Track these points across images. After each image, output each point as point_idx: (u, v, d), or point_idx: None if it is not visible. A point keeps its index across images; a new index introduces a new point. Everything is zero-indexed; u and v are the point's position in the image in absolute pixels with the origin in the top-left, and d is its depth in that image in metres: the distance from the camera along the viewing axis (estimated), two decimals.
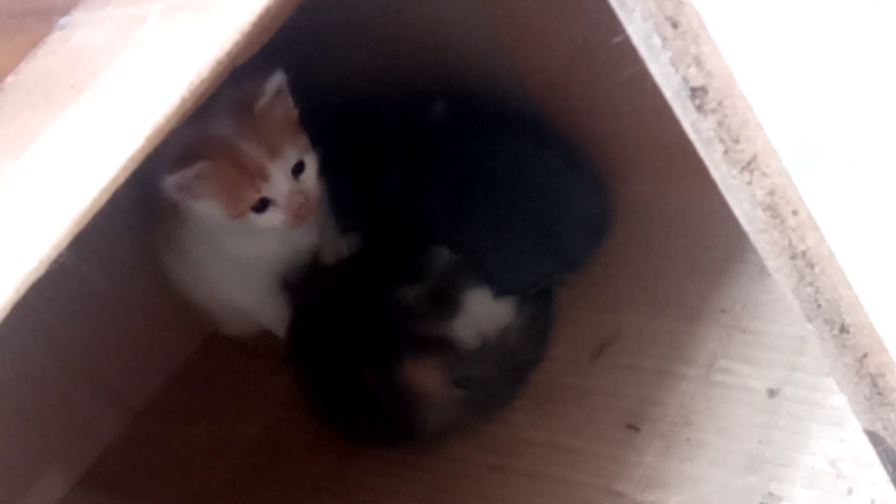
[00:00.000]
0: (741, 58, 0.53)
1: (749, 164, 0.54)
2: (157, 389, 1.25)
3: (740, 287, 0.98)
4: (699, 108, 0.52)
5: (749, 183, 0.54)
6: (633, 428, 0.92)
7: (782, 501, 0.81)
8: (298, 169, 0.98)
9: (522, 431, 0.98)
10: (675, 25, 0.51)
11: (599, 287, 1.06)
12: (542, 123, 1.10)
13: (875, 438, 0.64)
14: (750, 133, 0.54)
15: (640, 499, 0.87)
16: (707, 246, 1.03)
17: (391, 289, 1.02)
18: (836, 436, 0.83)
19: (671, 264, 1.04)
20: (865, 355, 0.60)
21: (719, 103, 0.52)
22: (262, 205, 0.97)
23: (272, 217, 0.98)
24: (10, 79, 0.79)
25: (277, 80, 0.95)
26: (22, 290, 0.54)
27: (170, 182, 0.94)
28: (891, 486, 0.67)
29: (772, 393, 0.89)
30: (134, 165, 0.57)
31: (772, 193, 0.55)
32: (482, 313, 1.02)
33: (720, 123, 0.53)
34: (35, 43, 0.81)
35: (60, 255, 0.55)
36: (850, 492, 0.79)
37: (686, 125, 0.54)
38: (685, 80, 0.52)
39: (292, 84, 0.97)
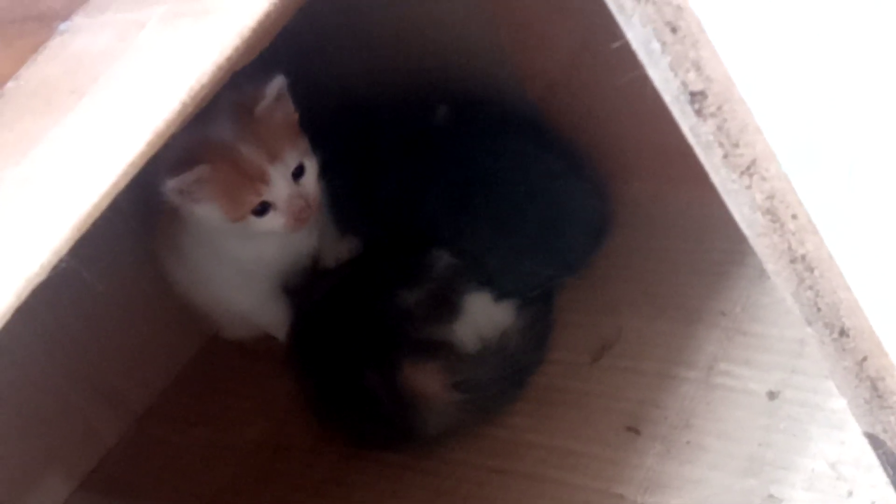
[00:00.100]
0: (740, 62, 0.53)
1: (748, 168, 0.54)
2: (159, 392, 1.26)
3: (740, 290, 0.98)
4: (698, 112, 0.53)
5: (748, 187, 0.55)
6: (634, 431, 0.92)
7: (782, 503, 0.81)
8: (299, 172, 0.98)
9: (523, 434, 0.98)
10: (674, 30, 0.51)
11: (599, 290, 1.06)
12: (541, 126, 1.10)
13: (875, 441, 0.65)
14: (749, 137, 0.54)
15: (640, 501, 0.87)
16: (707, 249, 1.03)
17: (391, 292, 1.02)
18: (836, 438, 0.83)
19: (671, 267, 1.04)
20: (865, 359, 0.60)
21: (718, 108, 0.53)
22: (263, 208, 0.97)
23: (272, 221, 0.98)
24: (10, 84, 0.79)
25: (278, 83, 0.95)
26: (23, 295, 0.54)
27: (170, 186, 0.94)
28: (891, 488, 0.68)
29: (772, 396, 0.89)
30: (135, 170, 0.57)
31: (771, 197, 0.55)
32: (482, 316, 1.02)
33: (719, 128, 0.53)
34: (35, 48, 0.81)
35: (62, 260, 0.55)
36: (850, 494, 0.79)
37: (685, 129, 0.54)
38: (684, 84, 0.52)
39: (293, 87, 0.97)
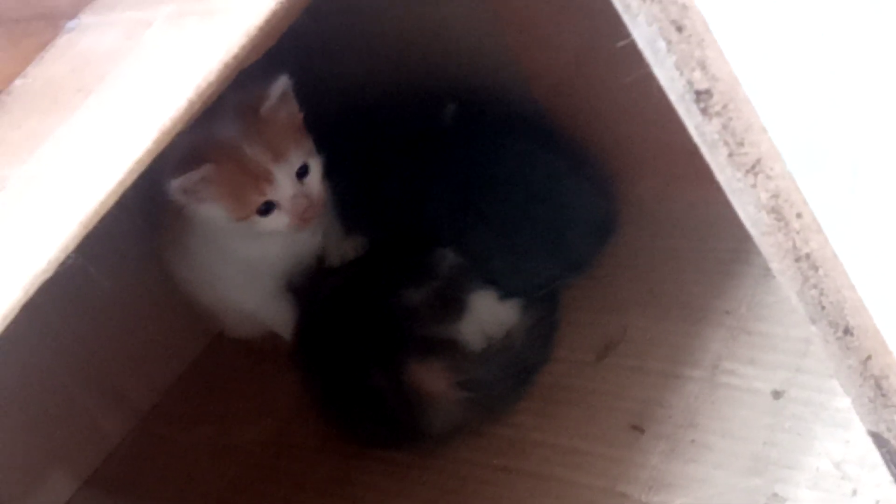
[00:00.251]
0: (746, 61, 0.53)
1: (753, 167, 0.54)
2: (164, 391, 1.26)
3: (745, 289, 0.98)
4: (704, 111, 0.53)
5: (753, 186, 0.55)
6: (638, 429, 0.93)
7: (787, 503, 0.81)
8: (303, 172, 0.98)
9: (528, 433, 0.98)
10: (679, 29, 0.51)
11: (604, 289, 1.06)
12: (547, 126, 1.10)
13: (879, 440, 0.65)
14: (754, 136, 0.54)
15: (644, 500, 0.87)
16: (712, 248, 1.03)
17: (397, 291, 1.02)
18: (840, 437, 0.83)
19: (676, 266, 1.04)
20: (869, 357, 0.60)
21: (724, 106, 0.53)
22: (267, 208, 0.97)
23: (277, 220, 0.98)
24: (17, 83, 0.80)
25: (282, 83, 0.96)
26: (31, 291, 0.54)
27: (175, 185, 0.94)
28: (895, 487, 0.68)
29: (776, 395, 0.89)
30: (141, 168, 0.57)
31: (776, 196, 0.55)
32: (488, 315, 1.02)
33: (725, 127, 0.53)
34: (42, 47, 0.81)
35: (68, 257, 0.56)
36: (854, 493, 0.79)
37: (691, 128, 0.54)
38: (690, 83, 0.52)
39: (298, 87, 0.97)
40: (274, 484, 1.07)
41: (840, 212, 0.59)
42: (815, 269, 0.58)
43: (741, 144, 0.54)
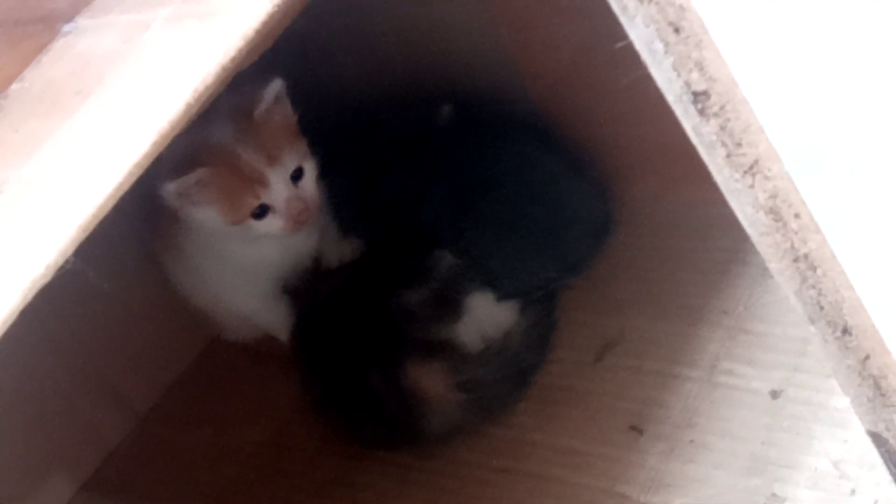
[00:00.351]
0: (743, 62, 0.53)
1: (751, 167, 0.54)
2: (162, 393, 1.26)
3: (743, 289, 0.98)
4: (701, 112, 0.53)
5: (751, 186, 0.55)
6: (637, 430, 0.93)
7: (786, 502, 0.81)
8: (297, 175, 0.98)
9: (526, 434, 0.98)
10: (677, 30, 0.51)
11: (602, 289, 1.06)
12: (544, 127, 1.10)
13: (878, 439, 0.65)
14: (752, 137, 0.54)
15: (643, 500, 0.88)
16: (710, 248, 1.03)
17: (395, 292, 1.02)
18: (839, 437, 0.83)
19: (674, 266, 1.04)
20: (868, 357, 0.60)
21: (721, 107, 0.53)
22: (262, 211, 0.97)
23: (271, 223, 0.98)
24: (15, 86, 0.80)
25: (276, 86, 0.95)
26: (29, 296, 0.54)
27: (169, 189, 0.94)
28: (894, 486, 0.68)
29: (775, 394, 0.89)
30: (140, 171, 0.57)
31: (774, 197, 0.55)
32: (485, 316, 1.02)
33: (722, 128, 0.53)
34: (40, 50, 0.81)
35: (67, 261, 0.55)
36: (853, 493, 0.79)
37: (688, 129, 0.54)
38: (687, 84, 0.52)
39: (294, 89, 0.97)
40: (273, 484, 1.07)
41: (838, 212, 0.59)
42: (814, 269, 0.58)
43: (739, 145, 0.54)
